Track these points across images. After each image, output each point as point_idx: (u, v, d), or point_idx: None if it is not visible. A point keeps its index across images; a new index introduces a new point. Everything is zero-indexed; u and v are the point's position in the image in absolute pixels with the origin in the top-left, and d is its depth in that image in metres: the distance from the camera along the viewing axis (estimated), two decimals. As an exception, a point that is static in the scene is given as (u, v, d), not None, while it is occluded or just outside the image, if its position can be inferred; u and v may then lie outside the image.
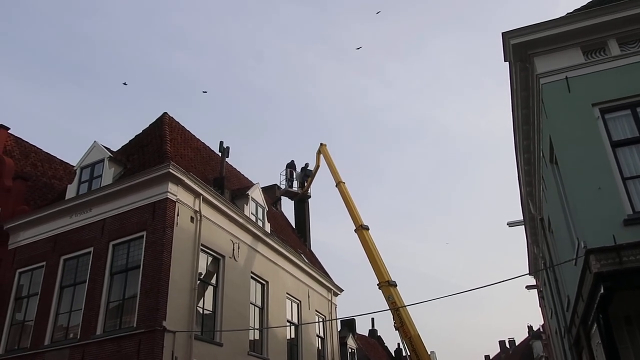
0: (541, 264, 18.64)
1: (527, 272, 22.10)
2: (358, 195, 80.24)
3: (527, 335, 61.10)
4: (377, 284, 20.01)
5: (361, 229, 21.52)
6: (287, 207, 30.46)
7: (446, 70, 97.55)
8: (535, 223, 16.80)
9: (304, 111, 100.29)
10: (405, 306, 19.03)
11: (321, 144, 26.58)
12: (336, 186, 23.88)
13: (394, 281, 19.79)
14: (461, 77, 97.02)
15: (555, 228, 12.82)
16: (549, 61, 10.18)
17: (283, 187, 29.36)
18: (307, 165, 29.33)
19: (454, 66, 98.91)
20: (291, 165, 29.63)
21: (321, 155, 26.64)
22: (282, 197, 29.51)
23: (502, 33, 10.42)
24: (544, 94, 10.05)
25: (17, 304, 17.47)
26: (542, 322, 28.83)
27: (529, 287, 25.68)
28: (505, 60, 10.91)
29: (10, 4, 78.75)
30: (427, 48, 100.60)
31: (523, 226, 19.00)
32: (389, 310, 19.14)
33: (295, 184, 29.47)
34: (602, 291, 7.62)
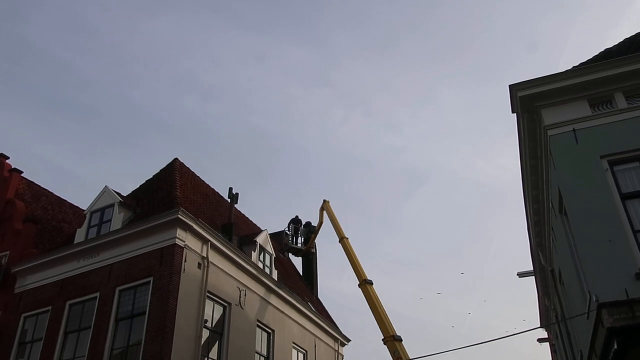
0: (553, 317, 18.26)
1: (539, 324, 21.63)
2: (363, 241, 79.45)
3: (540, 390, 59.36)
4: (382, 339, 19.70)
5: (365, 284, 21.41)
6: (295, 253, 30.25)
7: (453, 116, 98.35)
8: (545, 274, 16.55)
9: (311, 155, 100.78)
10: (412, 360, 18.58)
11: (324, 201, 26.97)
12: (339, 242, 24.06)
13: (399, 335, 19.48)
14: (469, 123, 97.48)
15: (567, 280, 12.62)
16: (556, 113, 10.26)
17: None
18: (309, 223, 29.41)
19: (462, 113, 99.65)
20: (295, 221, 29.61)
21: (324, 212, 26.87)
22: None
23: (510, 85, 10.55)
24: (552, 146, 10.10)
25: (20, 349, 17.28)
26: (555, 376, 28.00)
27: (540, 340, 25.02)
28: (512, 112, 11.01)
29: (17, 49, 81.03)
30: (436, 97, 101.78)
31: (533, 277, 18.73)
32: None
33: (299, 239, 29.39)
34: (615, 347, 7.43)
